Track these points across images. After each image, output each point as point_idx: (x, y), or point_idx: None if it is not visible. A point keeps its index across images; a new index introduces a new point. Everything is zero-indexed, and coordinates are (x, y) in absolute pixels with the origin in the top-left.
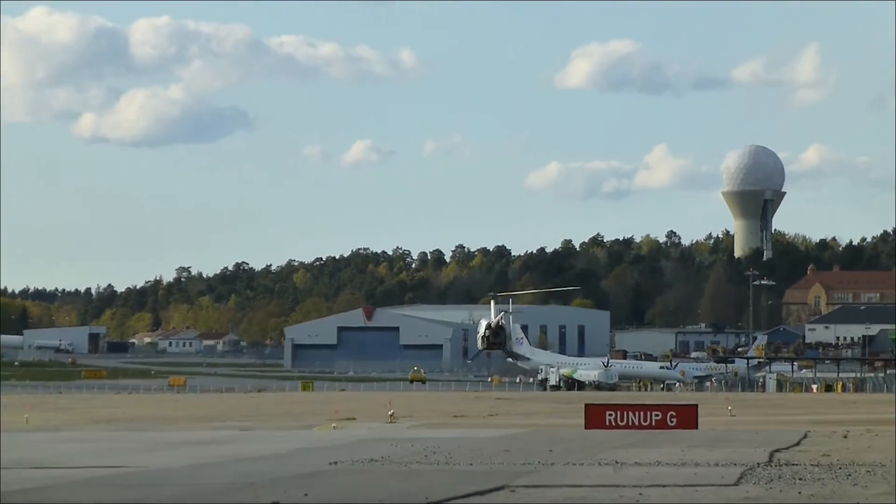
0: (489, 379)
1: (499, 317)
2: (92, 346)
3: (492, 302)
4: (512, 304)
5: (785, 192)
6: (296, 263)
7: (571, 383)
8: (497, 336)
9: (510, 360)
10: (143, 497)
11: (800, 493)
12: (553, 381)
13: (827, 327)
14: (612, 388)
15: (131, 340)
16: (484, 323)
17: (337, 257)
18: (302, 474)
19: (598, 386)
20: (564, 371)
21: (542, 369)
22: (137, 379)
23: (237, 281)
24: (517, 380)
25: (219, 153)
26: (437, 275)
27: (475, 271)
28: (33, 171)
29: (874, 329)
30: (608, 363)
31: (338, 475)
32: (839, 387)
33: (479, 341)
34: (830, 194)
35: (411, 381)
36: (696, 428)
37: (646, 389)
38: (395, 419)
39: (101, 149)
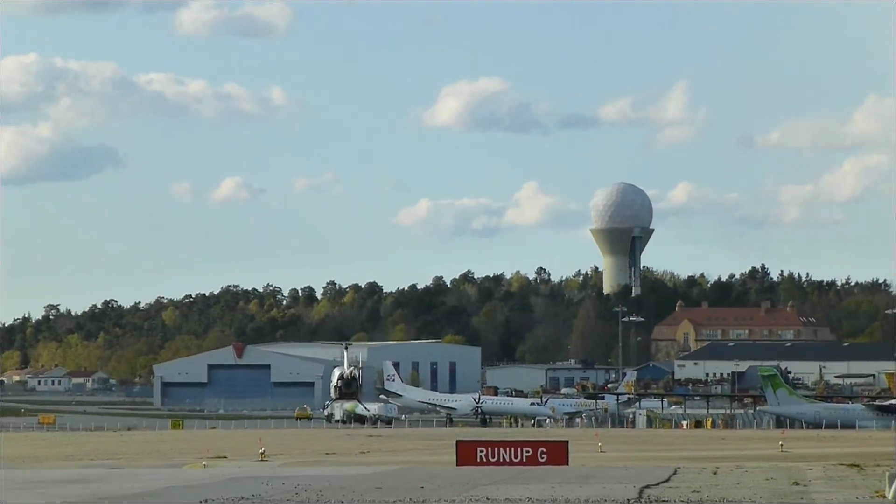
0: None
1: (351, 369)
2: None
3: (344, 352)
4: (383, 341)
5: (653, 230)
6: (165, 301)
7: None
8: (349, 387)
9: (382, 397)
10: None
11: None
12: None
13: (696, 364)
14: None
15: (0, 379)
16: (337, 373)
17: (207, 294)
18: None
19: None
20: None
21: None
22: (7, 417)
23: (106, 318)
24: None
25: (87, 191)
26: (309, 312)
27: (347, 308)
28: None
29: (743, 366)
30: (479, 399)
31: None
32: (709, 423)
33: (332, 391)
34: (698, 231)
35: (297, 419)
36: (567, 464)
37: (516, 426)
38: (266, 457)
39: None
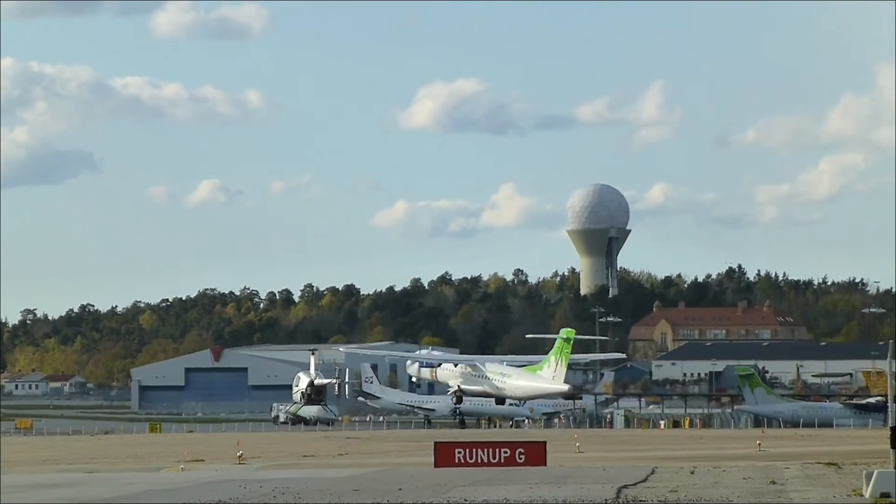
0: (339, 418)
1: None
2: None
3: (311, 358)
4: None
5: (630, 230)
6: (142, 304)
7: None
8: (319, 394)
9: (360, 399)
10: None
11: None
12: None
13: (673, 364)
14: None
15: None
16: (305, 379)
17: (183, 298)
18: None
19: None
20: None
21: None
22: None
23: (83, 323)
24: (367, 419)
25: (64, 195)
26: (286, 315)
27: (324, 311)
28: None
29: (720, 365)
30: (457, 401)
31: None
32: (686, 423)
33: (298, 396)
34: (675, 232)
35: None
36: (545, 464)
37: (495, 426)
38: (244, 460)
39: None
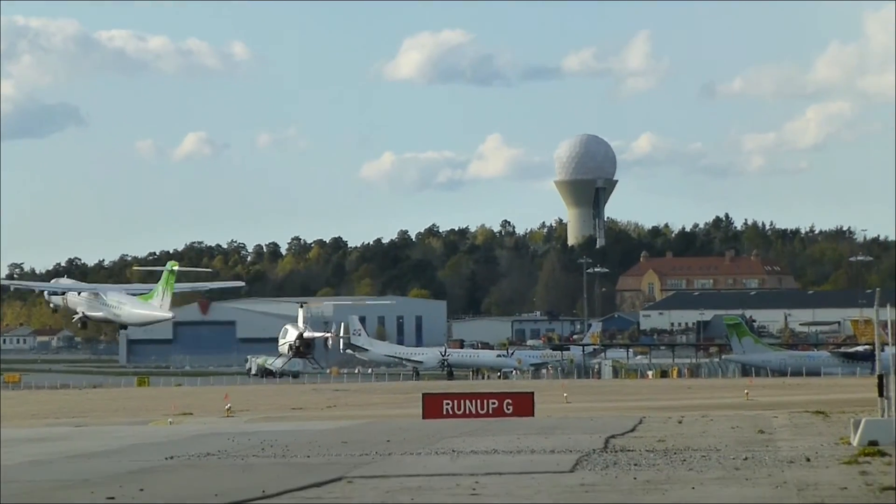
0: (327, 371)
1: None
2: None
3: (300, 310)
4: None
5: (617, 181)
6: (129, 258)
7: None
8: (308, 348)
9: (349, 351)
10: None
11: (635, 478)
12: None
13: (661, 314)
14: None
15: None
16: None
17: (171, 251)
18: (137, 470)
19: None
20: (258, 361)
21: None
22: None
23: (70, 277)
24: (356, 371)
25: (50, 149)
26: (274, 268)
27: (312, 263)
28: None
29: (708, 315)
30: (445, 352)
31: (174, 470)
32: (674, 373)
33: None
34: (662, 182)
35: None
36: (533, 415)
37: (483, 378)
38: (232, 413)
39: None
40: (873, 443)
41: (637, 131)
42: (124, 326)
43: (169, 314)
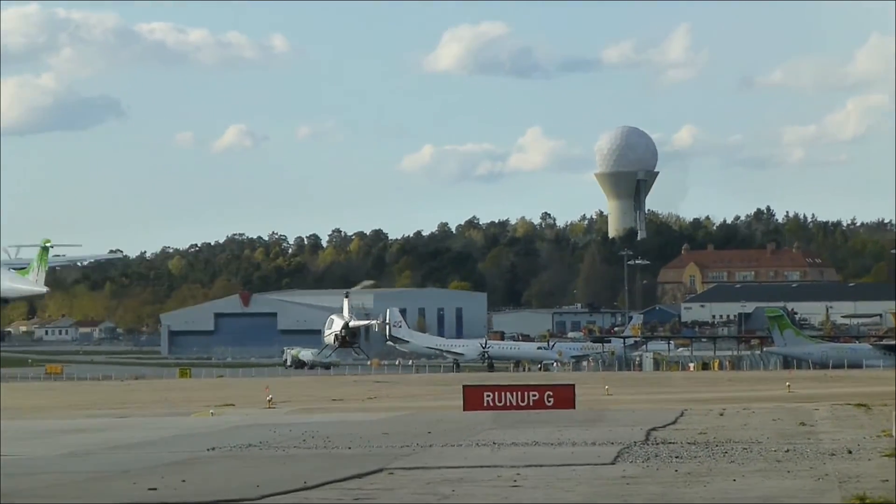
0: (368, 362)
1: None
2: None
3: (345, 300)
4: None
5: (658, 173)
6: (170, 250)
7: (298, 363)
8: (354, 337)
9: (389, 343)
10: (16, 486)
11: (676, 471)
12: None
13: (702, 306)
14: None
15: (6, 329)
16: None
17: (212, 243)
18: (179, 461)
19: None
20: (293, 352)
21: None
22: (14, 368)
23: (112, 268)
24: (396, 363)
25: (90, 141)
26: (314, 259)
27: (352, 255)
28: None
29: (750, 307)
30: (486, 344)
31: (215, 461)
32: (715, 365)
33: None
34: (703, 174)
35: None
36: (574, 407)
37: (523, 370)
38: (274, 405)
39: None
40: None
41: (677, 123)
42: (6, 301)
43: (44, 289)
